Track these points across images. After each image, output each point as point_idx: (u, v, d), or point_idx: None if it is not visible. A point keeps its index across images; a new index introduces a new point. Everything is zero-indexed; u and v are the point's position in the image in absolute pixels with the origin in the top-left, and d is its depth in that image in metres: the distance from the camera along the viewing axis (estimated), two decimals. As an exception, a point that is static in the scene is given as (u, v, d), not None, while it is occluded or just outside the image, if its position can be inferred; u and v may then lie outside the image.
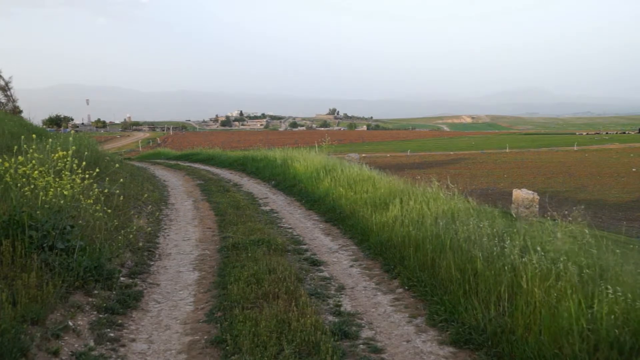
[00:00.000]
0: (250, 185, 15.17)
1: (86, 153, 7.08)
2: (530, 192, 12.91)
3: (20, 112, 27.66)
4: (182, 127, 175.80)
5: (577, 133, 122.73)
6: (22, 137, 6.16)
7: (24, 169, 5.32)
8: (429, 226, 6.42)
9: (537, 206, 12.36)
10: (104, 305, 4.77)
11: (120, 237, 6.12)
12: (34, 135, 6.50)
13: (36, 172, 5.34)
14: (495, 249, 5.11)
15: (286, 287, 5.12)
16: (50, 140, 6.84)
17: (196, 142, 58.62)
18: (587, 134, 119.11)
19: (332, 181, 11.55)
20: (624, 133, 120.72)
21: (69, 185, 5.54)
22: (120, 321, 4.57)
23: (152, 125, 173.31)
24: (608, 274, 4.15)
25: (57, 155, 5.61)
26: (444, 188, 8.34)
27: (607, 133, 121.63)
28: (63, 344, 3.91)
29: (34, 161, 5.46)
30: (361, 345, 4.21)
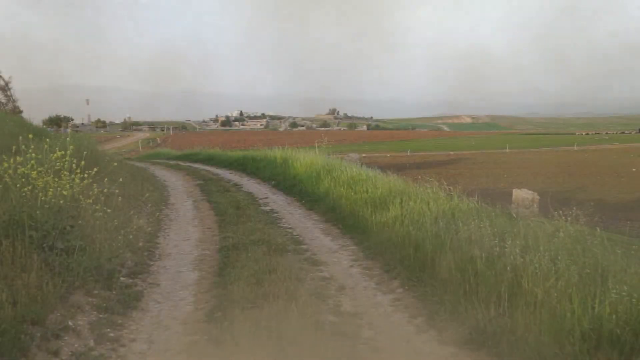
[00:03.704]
0: (250, 185, 15.16)
1: (85, 153, 7.08)
2: (530, 192, 12.88)
3: (21, 112, 27.64)
4: (182, 127, 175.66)
5: (576, 133, 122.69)
6: (20, 137, 6.14)
7: (23, 169, 5.32)
8: (429, 226, 6.41)
9: (537, 206, 12.34)
10: (104, 305, 4.77)
11: (120, 237, 6.11)
12: (30, 135, 6.50)
13: (35, 172, 5.33)
14: (495, 249, 5.10)
15: (286, 287, 5.12)
16: (48, 140, 6.83)
17: (196, 142, 58.51)
18: (587, 133, 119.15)
19: (332, 181, 11.53)
20: (623, 133, 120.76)
21: (68, 185, 5.53)
22: (120, 321, 4.57)
23: (152, 125, 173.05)
24: (610, 274, 4.15)
25: (55, 155, 5.61)
26: (444, 188, 8.33)
27: (607, 133, 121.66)
28: (63, 344, 3.90)
29: (32, 161, 5.45)
30: (361, 345, 4.20)
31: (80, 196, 5.73)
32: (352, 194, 9.91)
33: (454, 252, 5.40)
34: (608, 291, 3.77)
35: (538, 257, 4.54)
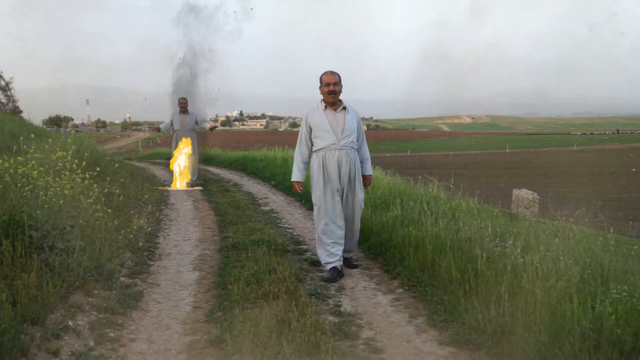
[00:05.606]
0: (250, 185, 15.16)
1: (86, 154, 7.09)
2: (530, 192, 12.87)
3: (21, 112, 27.69)
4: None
5: (579, 133, 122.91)
6: (21, 137, 6.15)
7: (24, 169, 5.32)
8: (429, 226, 6.41)
9: (537, 206, 12.34)
10: (104, 305, 4.76)
11: (120, 237, 6.11)
12: (32, 135, 6.51)
13: (35, 172, 5.34)
14: (496, 249, 5.10)
15: (286, 287, 5.11)
16: (49, 140, 6.84)
17: (196, 142, 58.38)
18: (589, 133, 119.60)
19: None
20: (619, 132, 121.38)
21: (68, 185, 5.53)
22: (120, 321, 4.56)
23: (152, 126, 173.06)
24: (611, 274, 4.15)
25: (56, 155, 5.61)
26: (444, 188, 8.34)
27: (605, 133, 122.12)
28: (63, 344, 3.90)
29: (33, 161, 5.45)
30: (361, 345, 4.20)
31: (81, 196, 5.73)
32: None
33: (454, 252, 5.40)
34: (609, 291, 3.77)
35: (539, 257, 4.53)
